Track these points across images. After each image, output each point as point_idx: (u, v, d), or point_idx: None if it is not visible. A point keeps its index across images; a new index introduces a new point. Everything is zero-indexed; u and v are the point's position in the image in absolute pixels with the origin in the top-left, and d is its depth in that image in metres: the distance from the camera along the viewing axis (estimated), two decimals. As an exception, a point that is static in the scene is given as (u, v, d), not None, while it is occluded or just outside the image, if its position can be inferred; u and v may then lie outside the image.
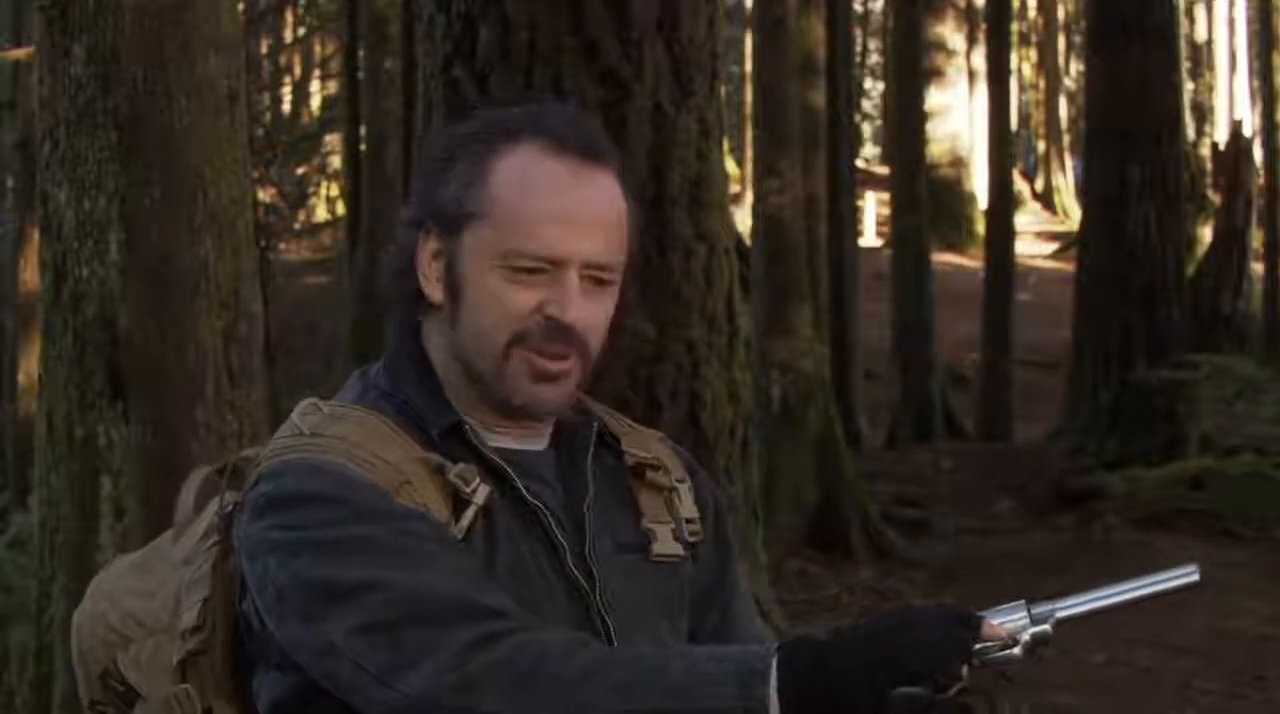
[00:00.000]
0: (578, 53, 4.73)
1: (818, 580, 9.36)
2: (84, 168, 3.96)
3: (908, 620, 1.60)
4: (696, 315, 4.89)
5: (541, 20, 4.71)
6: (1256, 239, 18.56)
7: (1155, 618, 7.38)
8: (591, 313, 1.77)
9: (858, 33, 34.88)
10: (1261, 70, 23.80)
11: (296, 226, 22.74)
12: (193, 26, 3.98)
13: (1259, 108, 25.07)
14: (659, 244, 4.80)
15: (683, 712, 1.56)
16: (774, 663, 1.56)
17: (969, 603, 1.69)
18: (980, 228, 21.81)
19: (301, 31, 26.31)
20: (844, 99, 15.02)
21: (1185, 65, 25.22)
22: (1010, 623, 1.64)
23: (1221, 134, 26.04)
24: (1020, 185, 28.74)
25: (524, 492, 1.77)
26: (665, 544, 1.87)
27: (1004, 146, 16.17)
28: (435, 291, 1.79)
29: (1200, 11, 34.13)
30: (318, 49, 29.05)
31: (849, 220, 15.66)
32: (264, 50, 22.45)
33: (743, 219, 15.80)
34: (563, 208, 1.75)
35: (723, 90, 5.28)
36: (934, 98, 24.09)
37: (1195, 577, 1.69)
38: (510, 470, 1.78)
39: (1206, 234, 18.76)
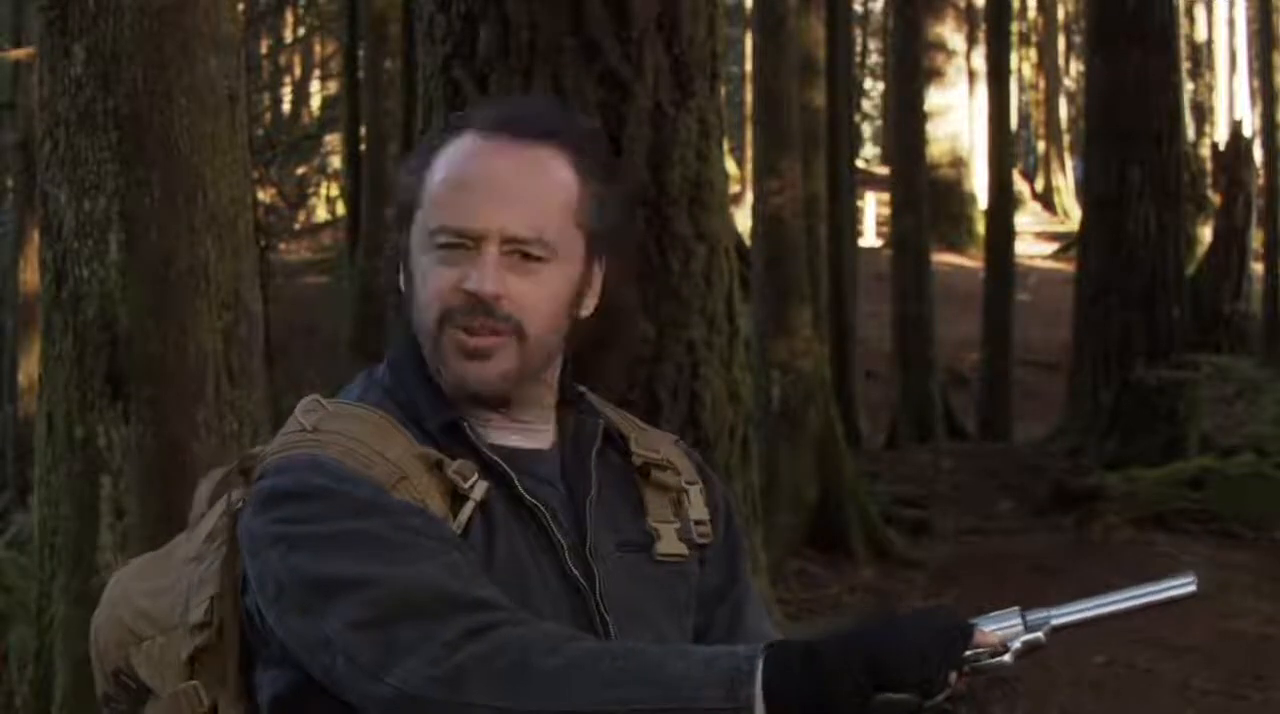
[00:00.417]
0: (578, 53, 4.73)
1: (818, 580, 9.36)
2: (84, 168, 3.96)
3: (898, 625, 1.60)
4: (696, 315, 4.88)
5: (541, 20, 4.70)
6: (1256, 239, 18.56)
7: (1155, 619, 7.33)
8: (522, 290, 1.75)
9: (858, 33, 34.89)
10: (1261, 70, 23.79)
11: (296, 226, 22.75)
12: (193, 27, 3.98)
13: (1259, 108, 25.06)
14: (659, 244, 4.79)
15: (668, 710, 1.56)
16: (760, 664, 1.56)
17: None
18: (980, 228, 21.81)
19: (301, 31, 26.31)
20: (844, 99, 15.02)
21: (1185, 65, 25.22)
22: (1002, 630, 1.63)
23: (1221, 134, 26.03)
24: (1020, 185, 28.74)
25: (521, 489, 1.77)
26: (669, 544, 1.86)
27: (1004, 146, 16.16)
28: (403, 284, 1.82)
29: (1200, 11, 34.11)
30: (318, 49, 29.06)
31: (849, 220, 15.67)
32: (264, 50, 22.45)
33: (743, 219, 15.80)
34: (468, 174, 1.76)
35: (723, 90, 5.28)
36: (934, 98, 24.07)
37: (1192, 587, 1.69)
38: (508, 468, 1.78)
39: (1206, 234, 18.78)
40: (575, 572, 1.77)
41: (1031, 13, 35.16)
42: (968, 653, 1.60)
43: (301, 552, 1.68)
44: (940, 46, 26.47)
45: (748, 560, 2.02)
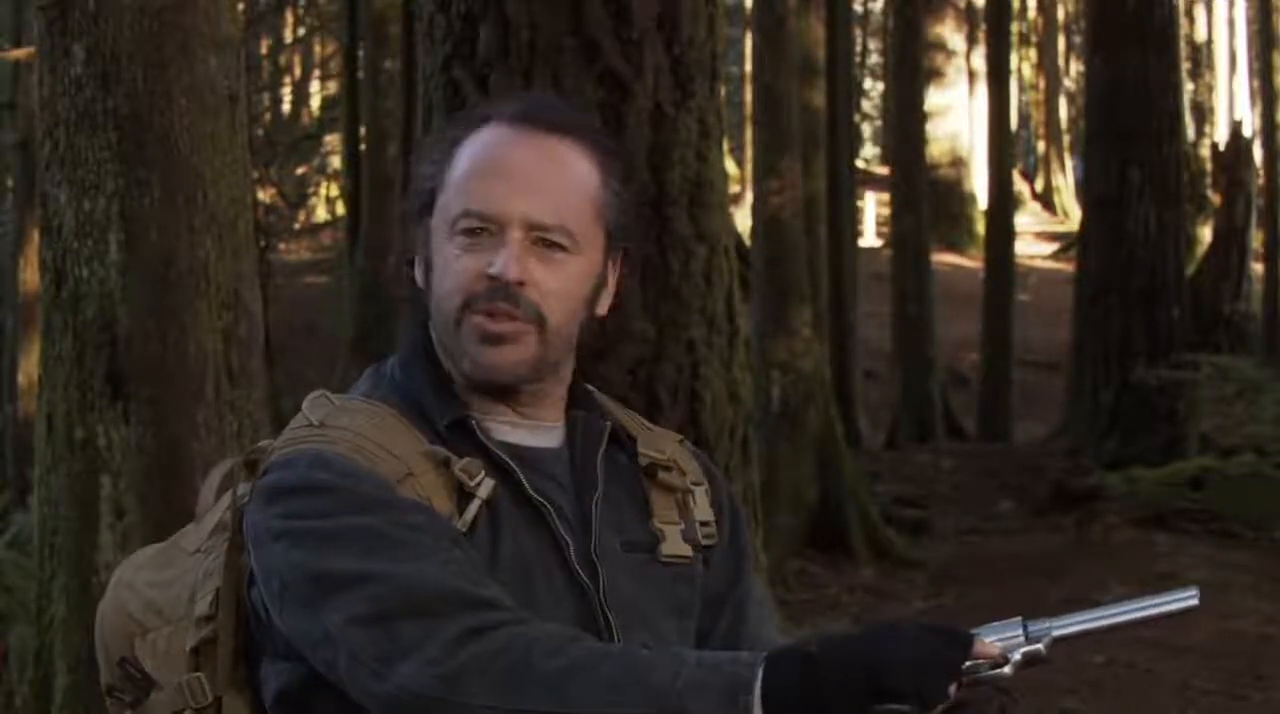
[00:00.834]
0: (578, 53, 4.72)
1: (818, 580, 9.37)
2: (84, 168, 3.96)
3: (898, 635, 1.59)
4: (696, 315, 4.88)
5: (541, 20, 4.70)
6: (1256, 239, 18.55)
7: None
8: (544, 278, 1.76)
9: (858, 33, 34.87)
10: (1261, 70, 23.78)
11: (296, 226, 22.76)
12: (193, 27, 3.98)
13: (1259, 108, 25.05)
14: (659, 244, 4.79)
15: None
16: (760, 673, 1.57)
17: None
18: (980, 228, 21.82)
19: (301, 31, 26.32)
20: (844, 99, 15.03)
21: (1185, 65, 25.21)
22: (1003, 641, 1.62)
23: (1221, 134, 26.02)
24: (1020, 185, 28.75)
25: (528, 487, 1.77)
26: (674, 545, 1.86)
27: (1004, 146, 16.18)
28: (420, 277, 1.82)
29: (1200, 11, 34.11)
30: (318, 49, 29.07)
31: (849, 220, 15.67)
32: (264, 50, 22.45)
33: (743, 219, 15.79)
34: (495, 162, 1.77)
35: (723, 90, 5.27)
36: (934, 98, 24.08)
37: (1195, 600, 1.69)
38: (515, 466, 1.77)
39: (1206, 234, 18.75)
40: (580, 571, 1.77)
41: (1031, 13, 35.15)
42: (967, 664, 1.59)
43: (304, 547, 1.69)
44: (940, 46, 26.47)
45: (752, 562, 2.01)
